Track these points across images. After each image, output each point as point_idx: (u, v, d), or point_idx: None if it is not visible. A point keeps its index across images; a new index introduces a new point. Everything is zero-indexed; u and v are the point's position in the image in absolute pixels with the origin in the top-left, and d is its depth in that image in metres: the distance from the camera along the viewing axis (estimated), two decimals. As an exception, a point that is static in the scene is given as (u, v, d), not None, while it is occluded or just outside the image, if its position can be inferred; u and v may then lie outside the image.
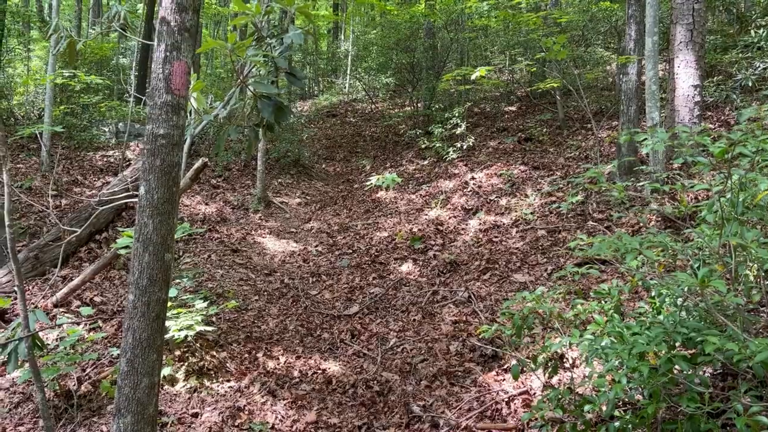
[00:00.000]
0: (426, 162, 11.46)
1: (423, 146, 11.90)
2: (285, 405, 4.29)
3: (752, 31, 10.66)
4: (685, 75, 7.63)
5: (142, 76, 15.54)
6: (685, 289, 2.98)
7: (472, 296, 6.00)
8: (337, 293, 6.66)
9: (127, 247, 5.12)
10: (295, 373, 4.80)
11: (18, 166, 9.84)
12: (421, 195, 9.82)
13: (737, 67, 9.86)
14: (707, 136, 2.52)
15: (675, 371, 2.84)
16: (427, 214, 8.81)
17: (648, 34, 7.06)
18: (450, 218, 8.44)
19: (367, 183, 9.88)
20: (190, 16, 3.04)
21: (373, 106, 16.96)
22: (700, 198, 6.36)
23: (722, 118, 9.11)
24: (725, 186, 2.62)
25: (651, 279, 3.18)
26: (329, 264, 7.64)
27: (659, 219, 6.38)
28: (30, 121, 13.20)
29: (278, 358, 5.04)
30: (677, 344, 2.81)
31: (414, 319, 5.79)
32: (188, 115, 3.71)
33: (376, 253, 7.70)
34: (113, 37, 17.94)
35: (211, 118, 3.77)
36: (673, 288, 2.97)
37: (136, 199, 4.61)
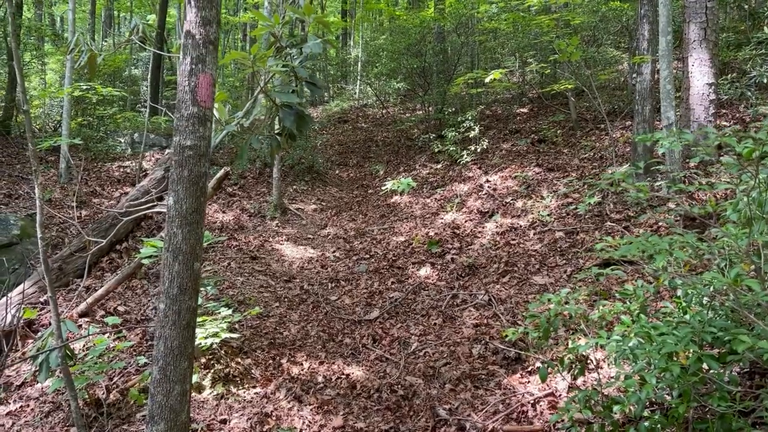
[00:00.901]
0: (439, 166, 11.49)
1: (436, 150, 11.93)
2: (311, 410, 4.33)
3: (765, 28, 10.60)
4: (700, 73, 7.62)
5: (155, 86, 15.71)
6: (711, 288, 2.99)
7: (492, 299, 6.01)
8: (357, 298, 6.69)
9: (150, 256, 5.18)
10: (320, 379, 4.84)
11: (37, 178, 9.96)
12: (436, 199, 9.85)
13: (751, 64, 9.82)
14: (733, 136, 2.53)
15: (703, 370, 2.85)
16: (443, 218, 8.84)
17: (661, 33, 7.06)
18: (466, 221, 8.46)
19: (383, 188, 9.93)
20: (214, 29, 3.09)
21: (384, 111, 17.02)
22: (718, 197, 6.35)
23: (737, 115, 9.07)
24: (753, 185, 2.63)
25: (677, 279, 3.19)
26: (347, 269, 7.68)
27: (677, 218, 6.37)
28: (46, 133, 13.38)
29: (302, 364, 5.08)
30: (705, 343, 2.82)
31: (435, 323, 5.81)
32: (212, 125, 3.76)
33: (393, 258, 7.73)
34: (125, 49, 18.14)
35: (234, 128, 3.82)
36: (700, 287, 2.98)
37: (156, 210, 4.68)
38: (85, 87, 9.83)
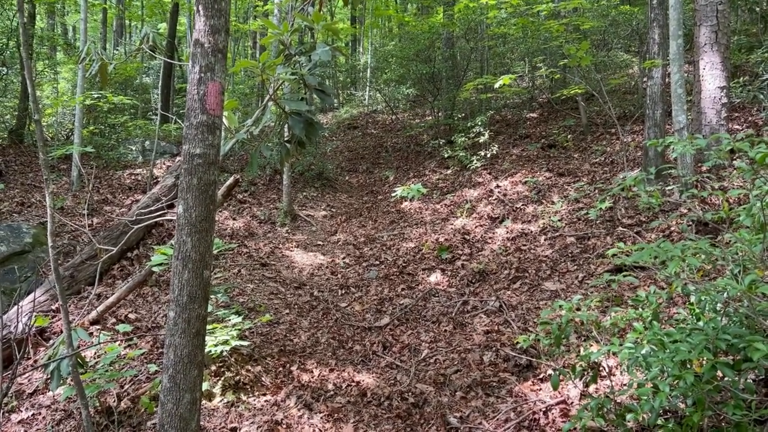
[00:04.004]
0: (449, 171, 11.47)
1: (446, 155, 11.91)
2: (322, 418, 4.31)
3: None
4: (711, 77, 7.56)
5: (166, 94, 15.80)
6: (726, 295, 2.96)
7: (503, 305, 5.98)
8: (367, 305, 6.68)
9: (161, 264, 5.20)
10: (330, 386, 4.82)
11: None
12: (445, 204, 9.83)
13: (763, 67, 9.74)
14: (746, 141, 2.50)
15: (718, 378, 2.81)
16: (453, 224, 8.81)
17: (672, 37, 7.01)
18: (476, 227, 8.42)
19: (392, 194, 9.92)
20: (223, 37, 3.10)
21: (393, 117, 17.03)
22: (731, 201, 6.28)
23: (750, 118, 8.99)
24: (767, 190, 2.60)
25: (690, 285, 3.15)
26: (357, 276, 7.67)
27: (690, 224, 6.31)
28: (59, 142, 13.49)
29: (312, 371, 5.07)
30: (719, 351, 2.78)
31: (445, 330, 5.78)
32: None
33: (403, 264, 7.71)
34: (136, 57, 18.26)
35: (243, 136, 3.82)
36: (713, 294, 2.94)
37: (167, 217, 4.69)
38: (96, 95, 9.92)
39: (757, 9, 12.33)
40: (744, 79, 9.87)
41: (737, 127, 8.73)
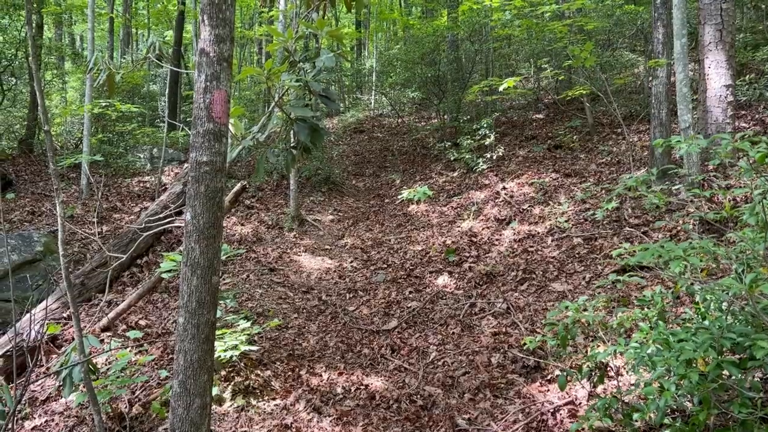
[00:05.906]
0: (456, 174, 11.49)
1: (452, 158, 11.93)
2: (331, 421, 4.34)
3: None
4: (716, 75, 7.55)
5: (173, 101, 15.91)
6: (730, 293, 2.97)
7: (511, 307, 5.99)
8: (375, 308, 6.71)
9: (170, 270, 5.25)
10: (339, 390, 4.85)
11: (59, 195, 10.13)
12: (452, 207, 9.85)
13: (769, 64, 9.72)
14: (747, 140, 2.52)
15: (724, 377, 2.82)
16: (459, 226, 8.83)
17: (676, 36, 7.01)
18: (483, 229, 8.44)
19: (399, 197, 9.95)
20: (228, 46, 3.14)
21: (399, 121, 17.07)
22: (737, 200, 6.27)
23: (756, 116, 8.97)
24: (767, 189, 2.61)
25: (695, 284, 3.16)
26: (365, 279, 7.70)
27: (695, 222, 6.30)
28: (68, 150, 13.62)
29: (321, 375, 5.10)
30: (725, 349, 2.79)
31: (453, 332, 5.81)
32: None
33: (411, 267, 7.73)
34: (143, 65, 18.39)
35: (250, 142, 3.87)
36: (718, 293, 2.95)
37: (176, 224, 4.74)
38: (104, 104, 10.01)
39: (763, 6, 12.30)
40: (750, 77, 9.84)
41: (744, 125, 8.71)
